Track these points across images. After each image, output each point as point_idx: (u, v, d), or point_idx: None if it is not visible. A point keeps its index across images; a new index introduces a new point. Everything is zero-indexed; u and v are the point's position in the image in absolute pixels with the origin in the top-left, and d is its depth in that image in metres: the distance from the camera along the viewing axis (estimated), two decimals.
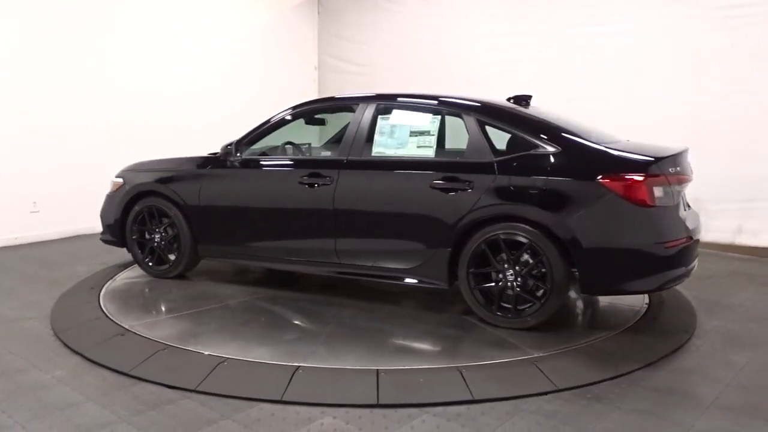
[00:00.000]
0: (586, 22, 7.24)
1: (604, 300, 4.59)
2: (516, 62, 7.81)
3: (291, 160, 4.93)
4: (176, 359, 3.49)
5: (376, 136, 4.40)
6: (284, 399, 3.03)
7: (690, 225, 4.01)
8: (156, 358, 3.49)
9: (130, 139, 7.68)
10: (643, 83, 6.86)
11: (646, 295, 4.55)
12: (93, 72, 7.29)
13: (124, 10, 7.59)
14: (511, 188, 3.89)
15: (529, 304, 3.91)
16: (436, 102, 4.43)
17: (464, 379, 3.22)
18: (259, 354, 3.56)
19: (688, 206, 4.36)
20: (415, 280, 4.27)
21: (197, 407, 2.97)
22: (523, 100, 4.50)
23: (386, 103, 4.52)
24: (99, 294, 4.73)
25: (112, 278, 5.21)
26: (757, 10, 6.14)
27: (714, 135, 6.43)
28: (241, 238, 4.88)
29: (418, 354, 3.61)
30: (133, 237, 5.27)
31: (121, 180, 5.40)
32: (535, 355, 3.54)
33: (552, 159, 3.86)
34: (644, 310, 4.35)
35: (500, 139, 4.14)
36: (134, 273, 5.42)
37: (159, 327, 4.01)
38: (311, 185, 4.46)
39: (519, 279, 3.89)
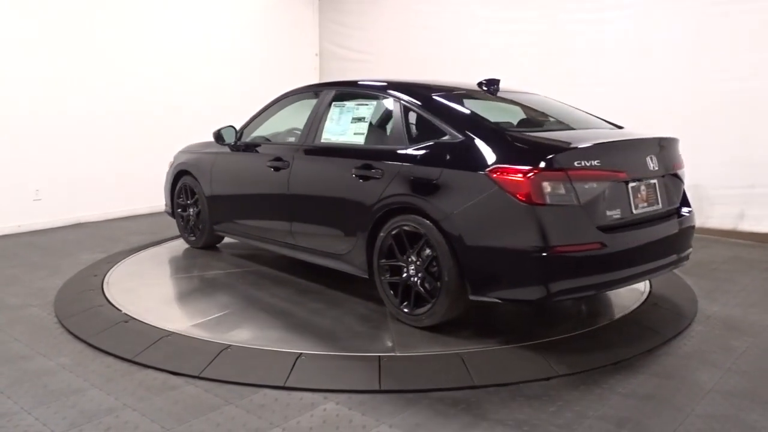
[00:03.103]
0: (586, 8, 7.19)
1: None
2: (517, 48, 7.78)
3: (261, 145, 5.10)
4: (180, 346, 3.51)
5: (327, 123, 4.49)
6: (287, 385, 3.05)
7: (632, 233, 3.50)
8: (160, 344, 3.52)
9: (132, 127, 7.70)
10: (643, 69, 6.83)
11: (647, 282, 4.56)
12: (95, 60, 7.28)
13: (124, 1, 7.56)
14: (412, 178, 3.71)
15: (426, 303, 3.68)
16: (374, 89, 4.41)
17: (465, 365, 3.24)
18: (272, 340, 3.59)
19: (682, 205, 4.01)
20: (345, 267, 4.26)
21: (201, 393, 2.99)
22: (491, 84, 4.32)
23: (340, 90, 4.61)
24: (102, 281, 4.75)
25: (115, 265, 5.23)
26: None
27: (715, 121, 6.41)
28: (233, 216, 5.33)
29: (421, 340, 3.63)
30: (179, 210, 5.97)
31: (172, 159, 6.06)
32: (536, 342, 3.55)
33: (453, 148, 3.61)
34: (645, 296, 4.35)
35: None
36: (137, 260, 5.44)
37: (163, 313, 4.03)
38: (276, 169, 4.68)
39: (419, 274, 3.70)
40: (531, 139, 3.54)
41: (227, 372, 3.19)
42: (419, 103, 3.99)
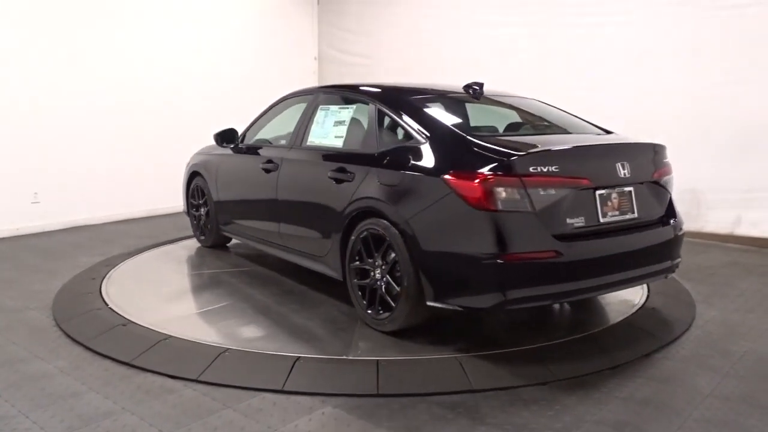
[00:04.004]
0: (586, 12, 7.21)
1: None
2: (516, 52, 7.79)
3: (260, 147, 5.15)
4: (178, 349, 3.51)
5: (312, 126, 4.55)
6: (285, 388, 3.05)
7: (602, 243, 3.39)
8: (158, 348, 3.51)
9: (130, 131, 7.70)
10: (641, 73, 6.84)
11: (645, 286, 4.56)
12: (93, 63, 7.28)
13: (123, 3, 7.57)
14: (378, 182, 3.70)
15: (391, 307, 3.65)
16: (354, 92, 4.45)
17: (463, 369, 3.24)
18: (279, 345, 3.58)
19: (675, 213, 3.87)
20: (324, 269, 4.28)
21: (199, 397, 2.99)
22: (474, 87, 4.24)
23: (326, 94, 4.68)
24: (100, 284, 4.74)
25: (113, 268, 5.22)
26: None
27: (712, 125, 6.42)
28: (235, 217, 5.44)
29: (416, 345, 3.63)
30: (192, 210, 6.11)
31: (189, 160, 6.20)
32: (534, 346, 3.55)
33: (416, 152, 3.59)
34: (643, 301, 4.35)
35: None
36: (135, 263, 5.44)
37: (161, 317, 4.01)
38: (267, 171, 4.77)
39: (384, 279, 3.67)
40: (490, 144, 3.44)
41: (225, 375, 3.18)
42: (391, 106, 4.00)
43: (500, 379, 3.15)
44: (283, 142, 5.02)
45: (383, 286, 3.68)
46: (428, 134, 3.63)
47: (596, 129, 4.23)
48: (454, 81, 4.37)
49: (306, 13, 10.00)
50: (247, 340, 3.69)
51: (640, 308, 4.22)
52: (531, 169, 3.19)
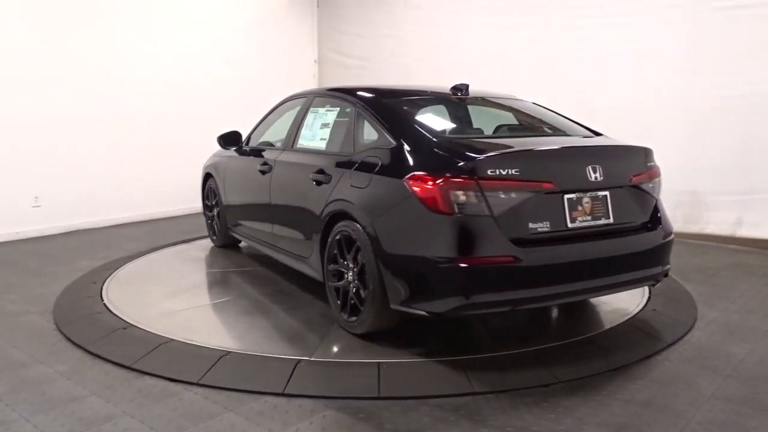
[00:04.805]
0: (585, 14, 7.21)
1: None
2: (515, 54, 7.79)
3: (260, 150, 5.19)
4: (179, 352, 3.51)
5: (302, 129, 4.61)
6: (286, 392, 3.05)
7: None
8: (158, 351, 3.51)
9: (131, 134, 7.70)
10: (641, 74, 6.84)
11: (646, 288, 4.56)
12: (94, 67, 7.29)
13: (124, 6, 7.58)
14: (350, 184, 3.72)
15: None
16: (338, 95, 4.46)
17: (465, 371, 3.23)
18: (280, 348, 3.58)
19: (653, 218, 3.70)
20: (309, 271, 4.29)
21: (200, 400, 2.98)
22: (459, 89, 4.24)
23: (317, 97, 4.71)
24: (101, 288, 4.74)
25: (114, 272, 5.22)
26: (758, 0, 6.12)
27: (713, 126, 6.42)
28: (239, 218, 5.52)
29: (417, 347, 3.62)
30: (206, 211, 6.28)
31: (205, 162, 6.34)
32: (536, 348, 3.55)
33: (384, 155, 3.60)
34: (644, 302, 4.35)
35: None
36: (135, 267, 5.44)
37: (162, 320, 4.01)
38: (263, 173, 4.86)
39: (355, 281, 3.65)
40: (452, 147, 3.43)
41: (226, 379, 3.18)
42: (367, 109, 4.00)
43: (502, 382, 3.15)
44: (279, 144, 5.08)
45: (354, 289, 3.66)
46: (396, 137, 3.62)
47: (585, 131, 4.15)
48: (454, 83, 4.36)
49: (306, 16, 10.02)
50: (248, 343, 3.69)
51: (641, 310, 4.21)
52: (489, 172, 3.13)
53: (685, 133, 6.52)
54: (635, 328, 3.92)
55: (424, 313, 3.28)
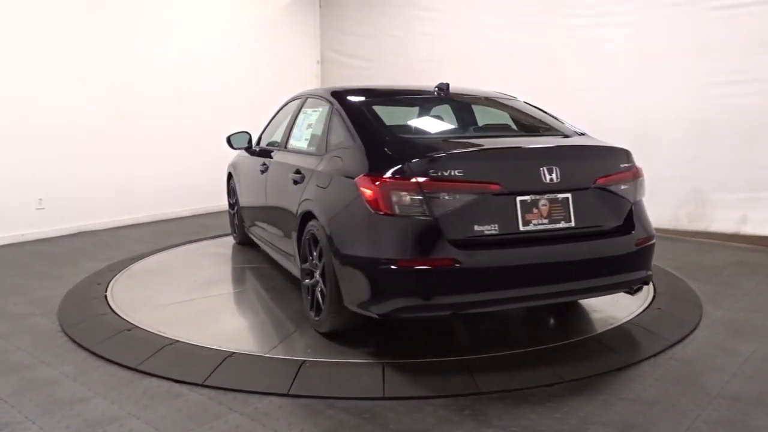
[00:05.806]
0: (588, 14, 7.20)
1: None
2: (518, 53, 7.79)
3: (266, 150, 5.25)
4: (183, 353, 3.51)
5: (294, 129, 4.70)
6: (291, 392, 3.05)
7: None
8: (163, 352, 3.52)
9: (135, 136, 7.72)
10: (644, 74, 6.83)
11: (651, 286, 4.54)
12: (99, 68, 7.31)
13: (129, 8, 7.60)
14: (317, 183, 3.76)
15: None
16: (320, 95, 4.46)
17: (470, 371, 3.23)
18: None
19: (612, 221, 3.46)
20: (293, 269, 4.33)
21: (205, 401, 2.99)
22: (441, 89, 4.23)
23: (309, 97, 4.74)
24: (106, 289, 4.75)
25: (118, 273, 5.24)
26: None
27: (717, 123, 6.40)
28: (249, 218, 5.65)
29: (422, 348, 3.62)
30: (229, 209, 6.57)
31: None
32: (540, 348, 3.54)
33: (346, 155, 3.62)
34: (649, 301, 4.34)
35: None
36: (140, 268, 5.45)
37: (167, 321, 4.02)
38: (261, 173, 5.02)
39: (321, 280, 3.63)
40: (401, 148, 3.40)
41: (231, 379, 3.18)
42: (340, 109, 3.98)
43: (507, 382, 3.14)
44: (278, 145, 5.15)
45: (320, 288, 3.67)
46: (356, 137, 3.64)
47: (569, 130, 4.02)
48: (455, 82, 4.36)
49: (308, 17, 10.02)
50: (253, 344, 3.69)
51: (645, 309, 4.20)
52: (431, 173, 3.08)
53: (690, 130, 6.50)
54: (639, 327, 3.90)
55: (373, 314, 3.23)
